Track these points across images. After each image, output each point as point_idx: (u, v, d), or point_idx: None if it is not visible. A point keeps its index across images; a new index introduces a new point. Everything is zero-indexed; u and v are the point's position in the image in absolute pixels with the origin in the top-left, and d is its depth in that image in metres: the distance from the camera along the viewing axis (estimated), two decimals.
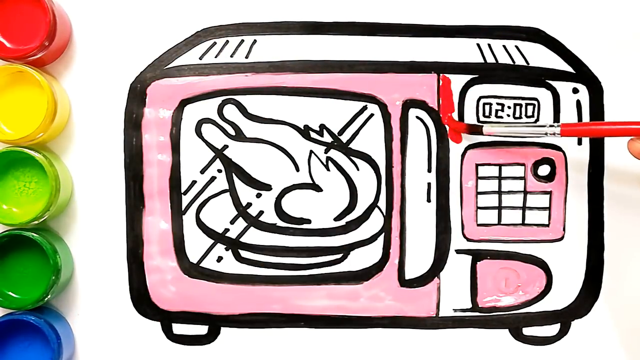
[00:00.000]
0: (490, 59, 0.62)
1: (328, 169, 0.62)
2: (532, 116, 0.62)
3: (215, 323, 0.62)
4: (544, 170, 0.62)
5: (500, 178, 0.62)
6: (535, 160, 0.62)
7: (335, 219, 0.62)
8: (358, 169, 0.62)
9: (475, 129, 0.60)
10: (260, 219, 0.62)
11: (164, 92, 0.61)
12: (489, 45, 0.62)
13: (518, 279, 0.62)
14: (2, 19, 0.59)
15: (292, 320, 0.62)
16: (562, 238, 0.62)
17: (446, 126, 0.61)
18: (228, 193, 0.61)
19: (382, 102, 0.61)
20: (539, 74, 0.62)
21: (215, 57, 0.61)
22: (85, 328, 0.62)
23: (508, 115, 0.61)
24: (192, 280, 0.62)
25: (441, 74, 0.61)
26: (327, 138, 0.62)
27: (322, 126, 0.61)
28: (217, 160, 0.61)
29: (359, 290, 0.62)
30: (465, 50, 0.62)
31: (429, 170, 0.61)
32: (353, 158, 0.62)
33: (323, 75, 0.61)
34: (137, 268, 0.62)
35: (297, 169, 0.62)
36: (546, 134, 0.57)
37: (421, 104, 0.61)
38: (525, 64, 0.62)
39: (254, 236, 0.62)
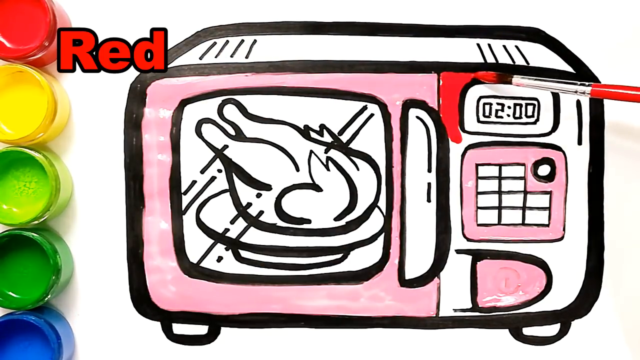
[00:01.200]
0: (490, 59, 0.62)
1: (328, 169, 0.62)
2: (532, 116, 0.62)
3: (215, 323, 0.62)
4: (544, 170, 0.62)
5: (500, 178, 0.62)
6: (535, 160, 0.62)
7: (335, 219, 0.62)
8: (358, 169, 0.62)
9: (504, 79, 0.59)
10: (260, 219, 0.62)
11: (164, 92, 0.61)
12: (489, 45, 0.62)
13: (518, 279, 0.62)
14: (2, 19, 0.59)
15: (292, 320, 0.62)
16: (562, 238, 0.62)
17: (445, 126, 0.61)
18: (228, 193, 0.61)
19: (382, 102, 0.61)
20: (539, 74, 0.62)
21: (215, 57, 0.61)
22: (85, 328, 0.62)
23: (508, 115, 0.62)
24: (192, 280, 0.62)
25: (441, 74, 0.61)
26: (327, 138, 0.62)
27: (322, 126, 0.61)
28: (217, 160, 0.61)
29: (359, 290, 0.62)
30: (465, 50, 0.62)
31: (429, 170, 0.62)
32: (353, 158, 0.62)
33: (323, 75, 0.61)
34: (137, 268, 0.62)
35: (297, 169, 0.62)
36: (576, 91, 0.56)
37: (421, 104, 0.61)
38: (525, 64, 0.62)
39: (254, 236, 0.62)
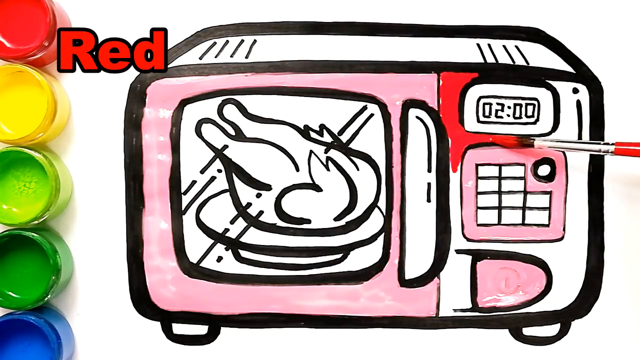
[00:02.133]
0: (490, 59, 0.62)
1: (328, 169, 0.62)
2: (532, 116, 0.62)
3: (215, 323, 0.62)
4: (544, 170, 0.62)
5: (500, 178, 0.62)
6: (535, 161, 0.62)
7: (335, 219, 0.62)
8: (358, 169, 0.62)
9: (525, 142, 0.60)
10: (260, 219, 0.62)
11: (164, 92, 0.61)
12: (489, 45, 0.62)
13: (518, 279, 0.62)
14: (2, 19, 0.59)
15: (292, 320, 0.62)
16: (562, 238, 0.62)
17: (445, 126, 0.61)
18: (228, 193, 0.61)
19: (382, 102, 0.61)
20: (539, 74, 0.62)
21: (215, 57, 0.61)
22: (85, 328, 0.62)
23: (508, 115, 0.62)
24: (192, 280, 0.62)
25: (441, 74, 0.61)
26: (327, 138, 0.62)
27: (322, 126, 0.61)
28: (217, 160, 0.61)
29: (359, 290, 0.62)
30: (465, 50, 0.62)
31: (429, 170, 0.61)
32: (353, 158, 0.62)
33: (323, 75, 0.61)
34: (137, 268, 0.62)
35: (297, 169, 0.62)
36: (599, 150, 0.57)
37: (421, 104, 0.61)
38: (525, 64, 0.62)
39: (254, 236, 0.62)
